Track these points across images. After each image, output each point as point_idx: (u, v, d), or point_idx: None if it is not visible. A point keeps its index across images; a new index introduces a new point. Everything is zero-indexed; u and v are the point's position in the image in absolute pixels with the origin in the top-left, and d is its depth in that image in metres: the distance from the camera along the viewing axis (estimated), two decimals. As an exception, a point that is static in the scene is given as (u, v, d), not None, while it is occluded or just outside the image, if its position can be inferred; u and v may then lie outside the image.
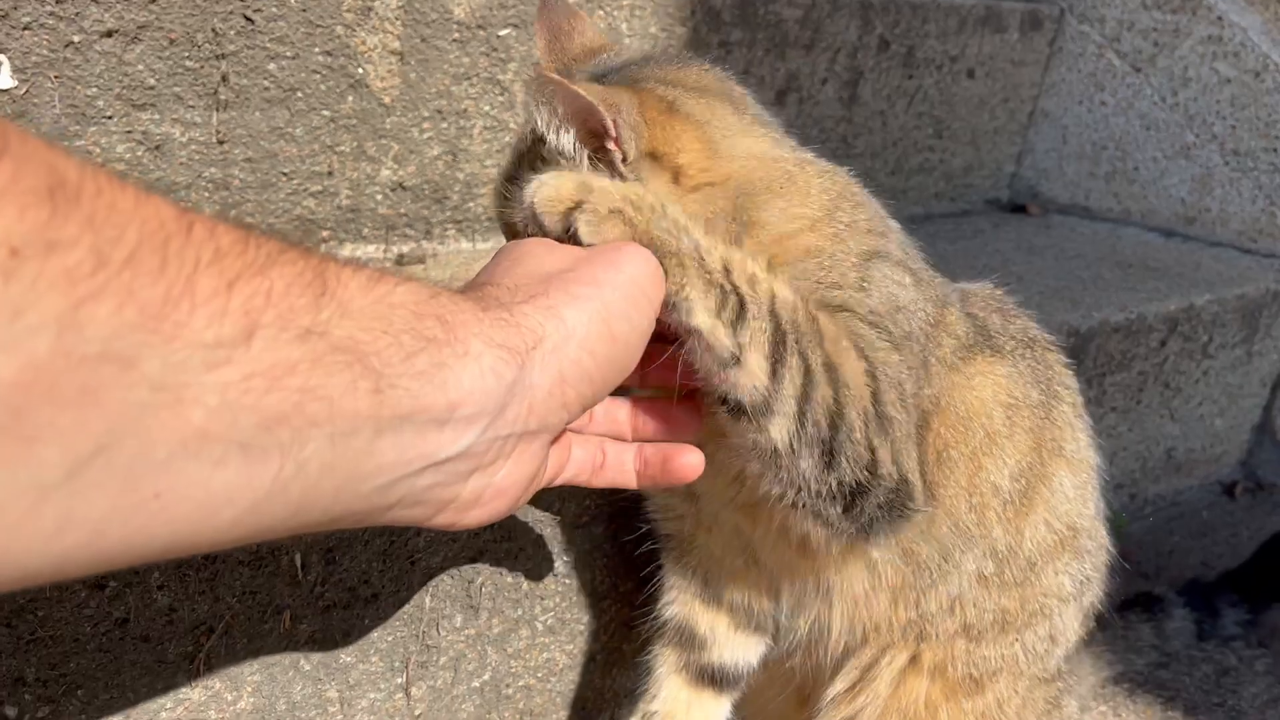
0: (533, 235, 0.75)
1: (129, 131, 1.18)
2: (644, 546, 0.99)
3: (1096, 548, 0.97)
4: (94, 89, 1.14)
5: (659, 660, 0.98)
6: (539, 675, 1.06)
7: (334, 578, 0.90)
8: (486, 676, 1.02)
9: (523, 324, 0.62)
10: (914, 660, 0.94)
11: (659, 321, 0.71)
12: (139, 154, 1.20)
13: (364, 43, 1.31)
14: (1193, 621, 1.41)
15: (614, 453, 0.79)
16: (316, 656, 0.90)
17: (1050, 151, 2.31)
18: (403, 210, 1.43)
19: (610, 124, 0.76)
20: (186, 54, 1.19)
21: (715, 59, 1.01)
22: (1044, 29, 2.21)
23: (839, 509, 0.74)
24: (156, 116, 1.20)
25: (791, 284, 0.76)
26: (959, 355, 0.88)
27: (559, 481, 0.76)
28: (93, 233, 0.43)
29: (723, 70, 0.93)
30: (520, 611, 1.02)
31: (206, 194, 1.26)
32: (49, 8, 1.08)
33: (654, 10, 1.56)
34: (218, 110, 1.24)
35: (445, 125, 1.42)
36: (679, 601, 0.97)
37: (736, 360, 0.70)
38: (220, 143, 1.25)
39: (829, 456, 0.72)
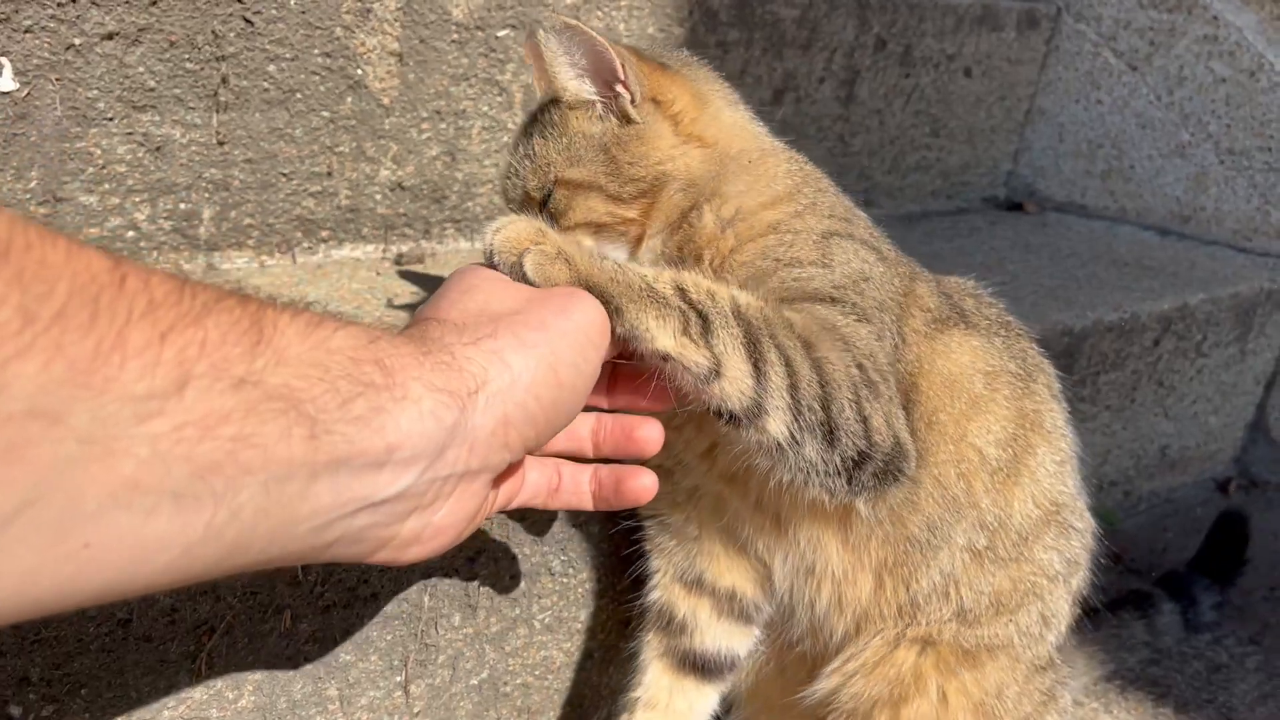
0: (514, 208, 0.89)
1: (130, 133, 1.19)
2: (636, 538, 1.01)
3: (1083, 528, 0.99)
4: (95, 91, 1.15)
5: (643, 647, 1.01)
6: (536, 673, 1.07)
7: (334, 578, 0.91)
8: (484, 674, 1.03)
9: (465, 368, 0.63)
10: (917, 645, 0.95)
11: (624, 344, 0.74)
12: (140, 155, 1.20)
13: (363, 44, 1.32)
14: (1179, 614, 1.43)
15: (569, 475, 0.81)
16: (317, 655, 0.91)
17: (1047, 150, 2.32)
18: (401, 210, 1.44)
19: (620, 67, 0.89)
20: (187, 56, 1.20)
21: (712, 59, 1.06)
22: (1040, 28, 2.22)
23: (844, 480, 0.78)
24: (157, 118, 1.20)
25: (751, 289, 0.81)
26: (933, 327, 0.92)
27: (513, 506, 0.78)
28: (20, 290, 0.43)
29: (714, 70, 1.02)
30: (518, 610, 1.04)
31: (207, 194, 1.27)
32: (50, 11, 1.09)
33: (651, 11, 1.57)
34: (218, 112, 1.24)
35: (444, 126, 1.43)
36: (660, 586, 0.99)
37: (717, 372, 0.72)
38: (220, 144, 1.26)
39: (830, 435, 0.75)
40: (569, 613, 1.08)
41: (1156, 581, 1.49)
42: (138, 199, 1.22)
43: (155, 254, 1.26)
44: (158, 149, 1.21)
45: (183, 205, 1.26)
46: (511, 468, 0.72)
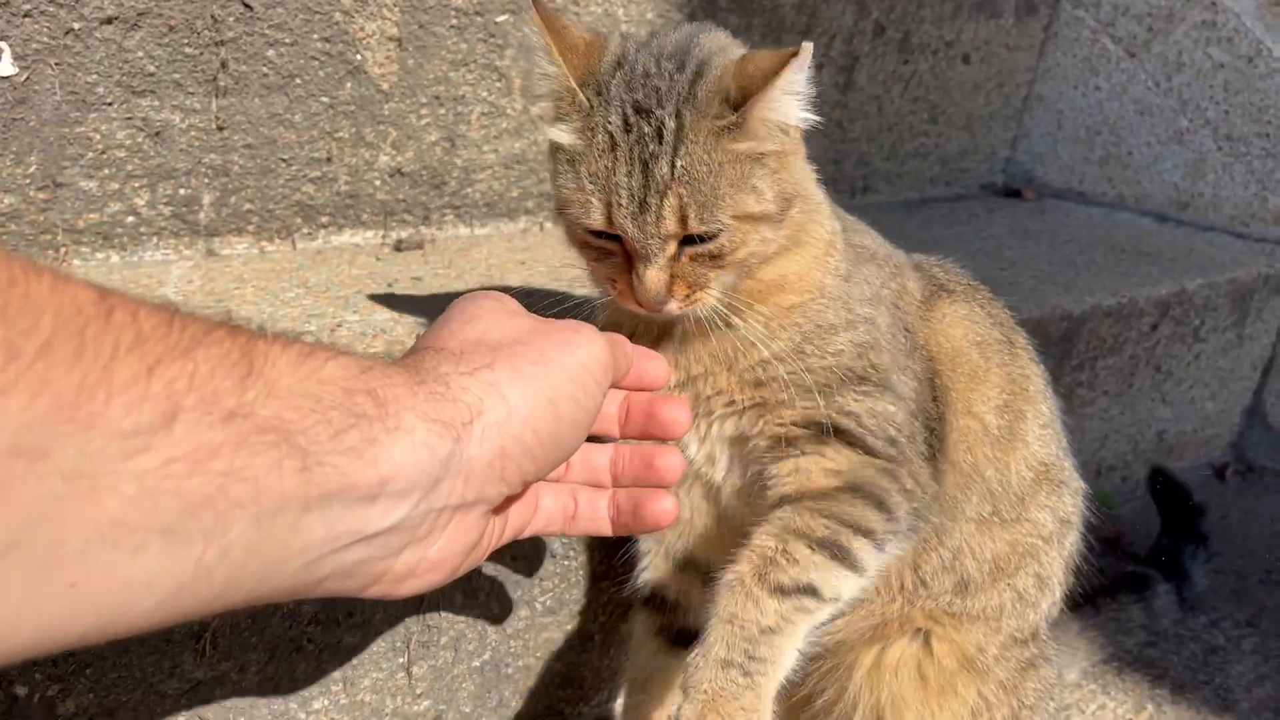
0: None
1: (129, 118, 1.19)
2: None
3: (1076, 488, 1.02)
4: (94, 76, 1.15)
5: (637, 625, 1.01)
6: (538, 655, 1.08)
7: (336, 559, 0.91)
8: (487, 656, 1.04)
9: (460, 398, 0.62)
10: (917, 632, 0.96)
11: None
12: (139, 140, 1.20)
13: (362, 29, 1.32)
14: (1174, 593, 1.43)
15: (586, 501, 0.81)
16: (320, 636, 0.92)
17: (1045, 136, 2.32)
18: (401, 196, 1.44)
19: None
20: (186, 41, 1.20)
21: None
22: (1039, 14, 2.22)
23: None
24: (156, 103, 1.20)
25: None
26: (922, 310, 0.96)
27: (527, 534, 0.77)
28: (4, 325, 0.43)
29: None
30: (520, 593, 1.04)
31: (206, 180, 1.27)
32: (49, -5, 1.09)
33: (650, -4, 1.57)
34: (217, 97, 1.24)
35: (443, 111, 1.43)
36: (652, 567, 0.99)
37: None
38: (220, 129, 1.26)
39: (909, 533, 0.87)
40: (570, 595, 1.08)
41: (1147, 558, 1.50)
42: (137, 184, 1.22)
43: (155, 239, 1.26)
44: (157, 134, 1.21)
45: (182, 191, 1.26)
46: (524, 494, 0.71)
